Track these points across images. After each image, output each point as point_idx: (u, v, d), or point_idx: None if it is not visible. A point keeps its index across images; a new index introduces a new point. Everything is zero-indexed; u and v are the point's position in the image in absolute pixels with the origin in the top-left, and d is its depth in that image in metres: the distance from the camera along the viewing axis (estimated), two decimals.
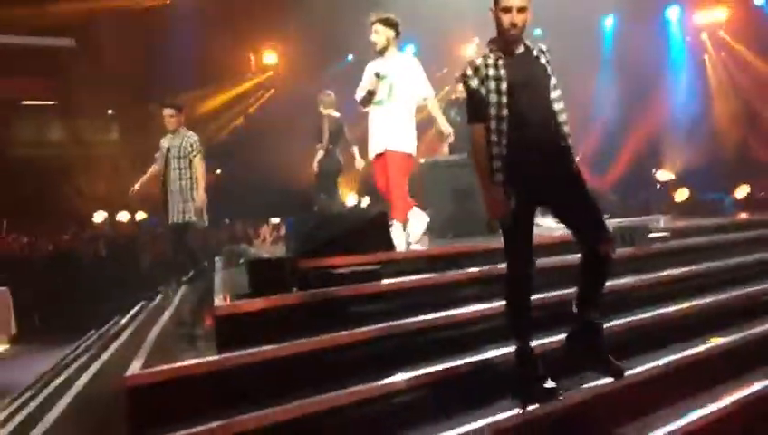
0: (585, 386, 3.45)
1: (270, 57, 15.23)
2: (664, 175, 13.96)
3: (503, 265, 3.91)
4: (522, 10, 3.31)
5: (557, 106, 3.42)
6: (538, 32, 9.85)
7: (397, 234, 5.19)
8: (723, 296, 4.87)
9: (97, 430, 3.36)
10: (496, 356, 3.58)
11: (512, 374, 3.42)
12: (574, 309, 3.46)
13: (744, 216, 8.97)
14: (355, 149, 8.08)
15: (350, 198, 13.23)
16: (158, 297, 6.83)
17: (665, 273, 5.06)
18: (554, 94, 3.43)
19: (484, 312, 3.98)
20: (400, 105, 5.52)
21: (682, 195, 13.04)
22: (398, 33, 5.57)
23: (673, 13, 14.29)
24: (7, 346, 8.29)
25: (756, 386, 3.82)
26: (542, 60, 3.46)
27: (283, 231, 11.03)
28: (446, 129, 5.78)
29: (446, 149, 7.22)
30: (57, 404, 3.92)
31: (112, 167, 14.56)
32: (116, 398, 2.98)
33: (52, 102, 15.98)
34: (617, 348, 3.59)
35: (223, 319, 3.43)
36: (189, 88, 14.18)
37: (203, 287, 5.82)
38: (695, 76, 14.42)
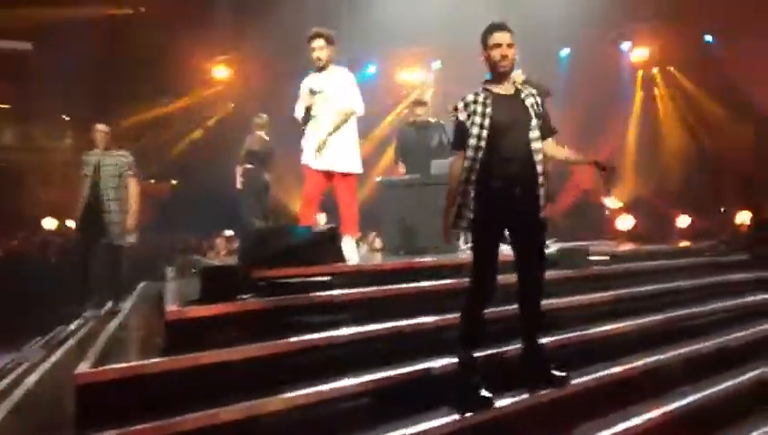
0: (519, 398, 3.64)
1: (221, 71, 15.13)
2: (612, 202, 14.39)
3: (450, 281, 4.08)
4: (510, 45, 3.65)
5: (534, 146, 3.67)
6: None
7: (348, 248, 5.32)
8: (646, 320, 5.09)
9: (44, 428, 3.39)
10: (437, 366, 3.73)
11: (452, 383, 3.59)
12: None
13: (683, 244, 9.34)
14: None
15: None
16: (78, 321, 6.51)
17: (599, 295, 5.24)
18: (532, 135, 3.69)
19: (429, 324, 4.15)
20: (337, 120, 5.56)
21: (628, 222, 13.50)
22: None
23: (625, 46, 14.85)
24: None
25: (677, 403, 4.10)
26: (528, 102, 3.73)
27: (236, 244, 11.01)
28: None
29: (402, 169, 7.43)
30: (2, 404, 3.91)
31: (65, 173, 14.34)
32: (63, 397, 3.03)
33: (6, 106, 15.74)
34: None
35: (173, 323, 3.49)
36: (147, 97, 14.18)
37: (154, 295, 5.82)
38: (646, 109, 14.99)
